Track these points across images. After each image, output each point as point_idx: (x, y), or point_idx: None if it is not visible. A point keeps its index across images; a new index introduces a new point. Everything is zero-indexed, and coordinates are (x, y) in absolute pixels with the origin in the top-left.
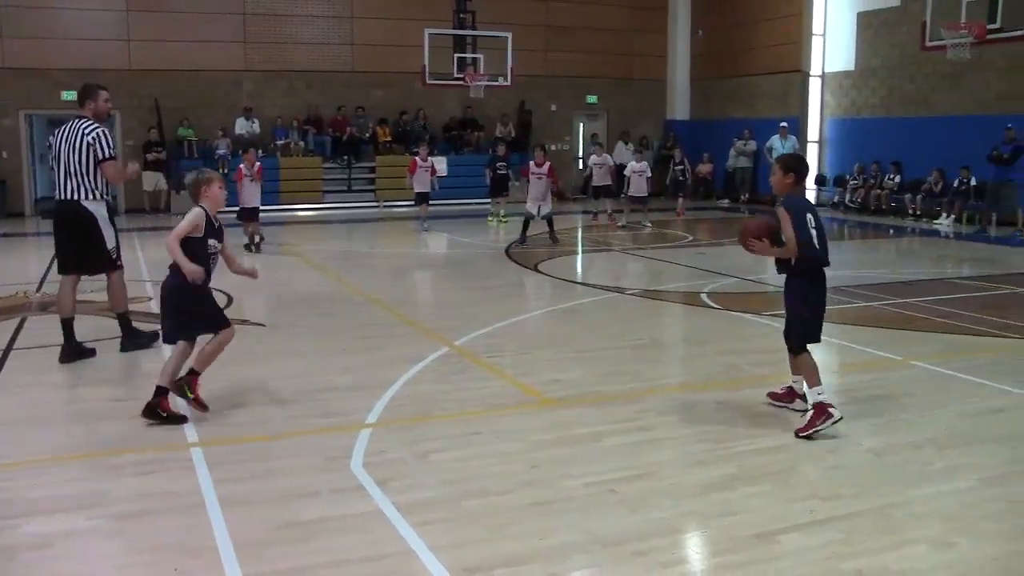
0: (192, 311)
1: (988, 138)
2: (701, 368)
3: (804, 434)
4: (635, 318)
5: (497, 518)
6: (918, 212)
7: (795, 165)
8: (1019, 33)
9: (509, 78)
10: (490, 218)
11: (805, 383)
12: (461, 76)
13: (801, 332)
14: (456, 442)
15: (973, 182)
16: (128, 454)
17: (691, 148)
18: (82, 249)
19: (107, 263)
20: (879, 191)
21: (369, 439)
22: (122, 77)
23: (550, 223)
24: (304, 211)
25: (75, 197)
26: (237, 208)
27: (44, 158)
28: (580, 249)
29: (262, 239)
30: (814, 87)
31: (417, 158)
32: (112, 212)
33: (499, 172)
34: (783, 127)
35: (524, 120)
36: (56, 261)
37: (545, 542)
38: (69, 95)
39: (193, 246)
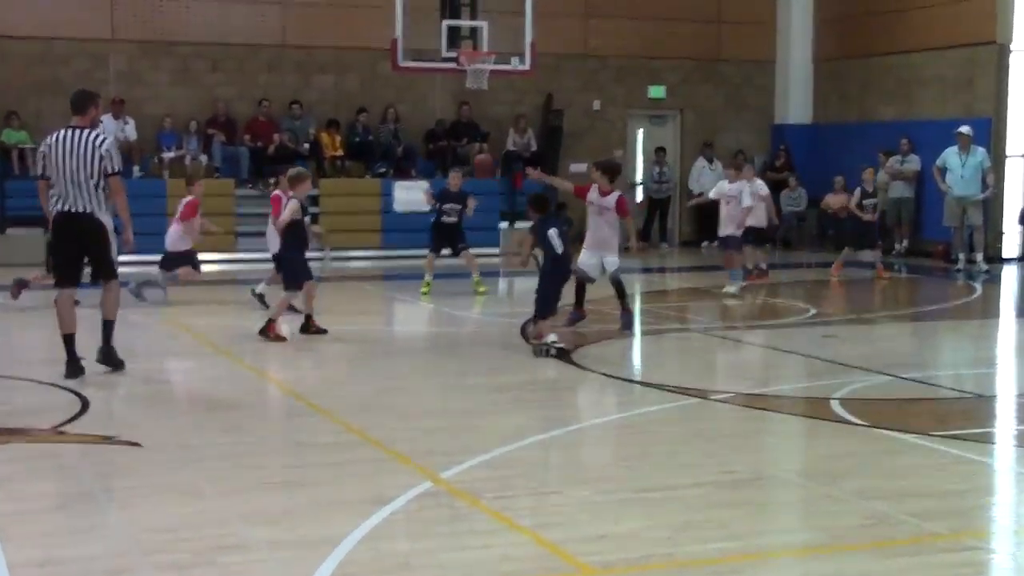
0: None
1: None
2: (832, 519)
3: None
4: (726, 438)
5: None
6: None
7: (534, 202)
8: None
9: (528, 59)
10: None
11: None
12: (453, 55)
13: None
14: None
15: None
16: None
17: (814, 167)
18: (93, 259)
19: (112, 271)
20: None
21: None
22: None
23: (619, 288)
24: (206, 262)
25: (88, 210)
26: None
27: None
28: (639, 328)
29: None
30: (1017, 69)
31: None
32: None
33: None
34: (963, 133)
35: (552, 124)
36: (55, 274)
37: None
38: None
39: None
